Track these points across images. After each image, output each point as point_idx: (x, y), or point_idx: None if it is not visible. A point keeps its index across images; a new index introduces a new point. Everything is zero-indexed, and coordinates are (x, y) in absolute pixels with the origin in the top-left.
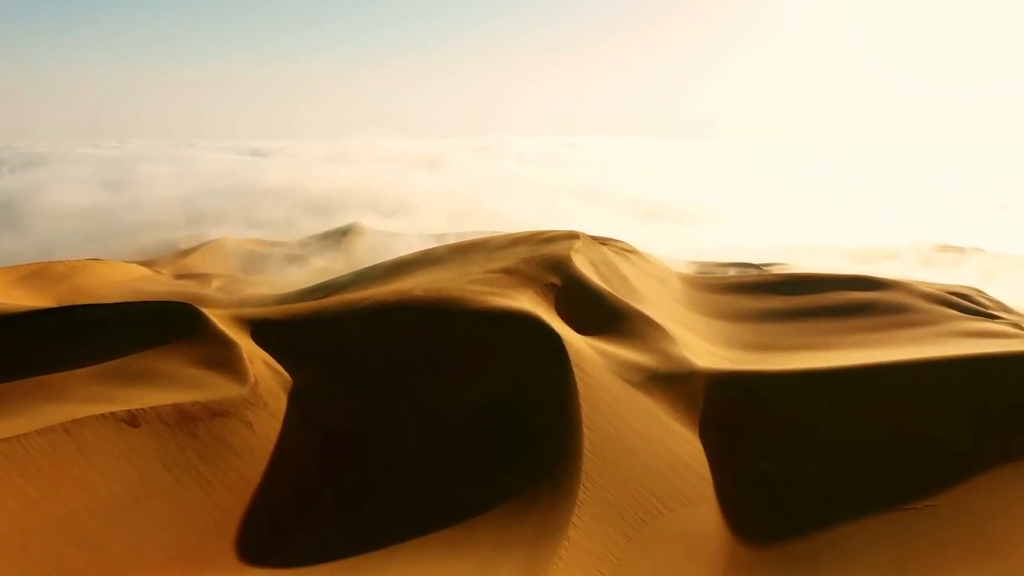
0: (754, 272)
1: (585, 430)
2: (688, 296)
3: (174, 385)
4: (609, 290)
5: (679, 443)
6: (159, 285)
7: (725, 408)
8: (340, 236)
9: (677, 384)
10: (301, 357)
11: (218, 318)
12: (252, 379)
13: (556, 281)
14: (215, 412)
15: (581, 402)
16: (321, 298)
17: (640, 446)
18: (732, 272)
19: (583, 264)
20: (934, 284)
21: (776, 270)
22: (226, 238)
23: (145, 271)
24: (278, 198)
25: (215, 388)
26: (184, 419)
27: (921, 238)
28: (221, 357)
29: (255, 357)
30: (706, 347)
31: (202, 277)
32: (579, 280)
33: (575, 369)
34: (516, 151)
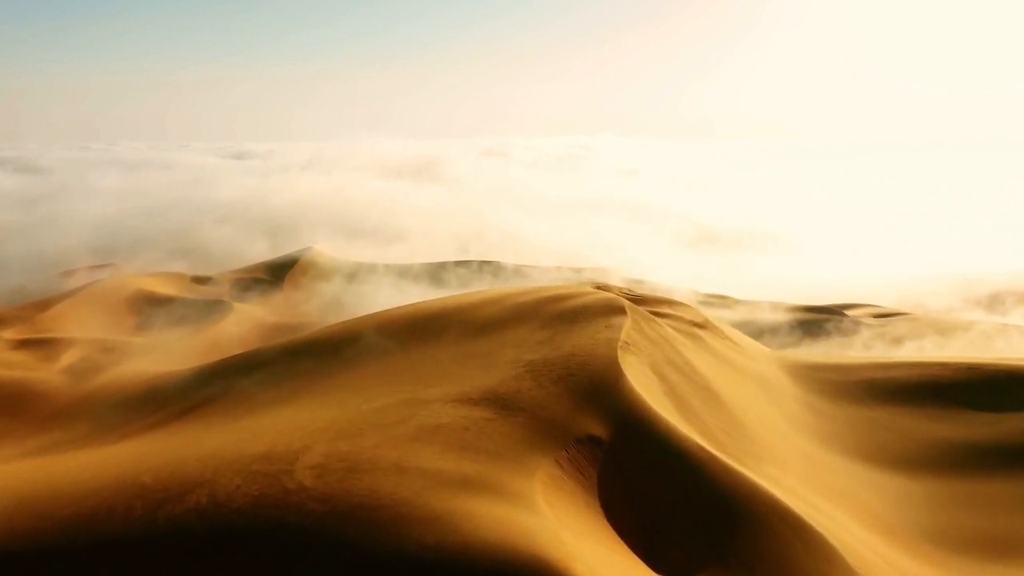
0: (894, 362)
1: None
2: (810, 412)
3: None
4: (703, 445)
5: None
6: None
7: None
8: (285, 269)
9: None
10: None
11: None
12: None
13: (598, 431)
14: None
15: None
16: (189, 409)
17: None
18: (863, 326)
19: (641, 379)
20: None
21: (866, 313)
22: (115, 278)
23: None
24: (229, 215)
25: None
26: None
27: None
28: None
29: None
30: (890, 556)
31: (53, 344)
32: (643, 426)
33: None
34: (526, 155)
